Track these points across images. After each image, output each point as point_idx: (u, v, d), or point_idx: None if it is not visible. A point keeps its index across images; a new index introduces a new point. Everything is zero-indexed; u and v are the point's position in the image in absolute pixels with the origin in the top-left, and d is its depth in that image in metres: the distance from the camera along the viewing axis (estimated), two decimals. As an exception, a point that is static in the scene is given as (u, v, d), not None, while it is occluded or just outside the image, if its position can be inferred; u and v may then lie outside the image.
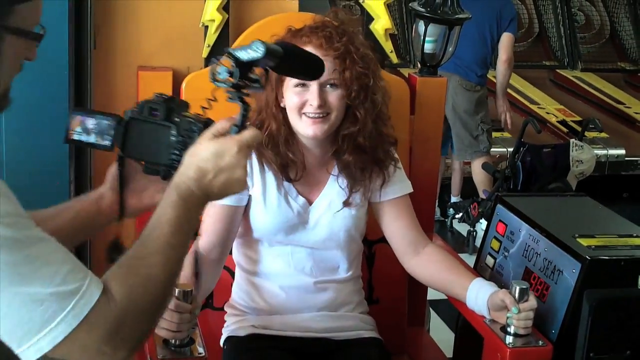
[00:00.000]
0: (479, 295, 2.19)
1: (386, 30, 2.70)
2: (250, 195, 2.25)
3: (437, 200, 5.94)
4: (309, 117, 2.14)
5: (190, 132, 1.51)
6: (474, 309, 2.22)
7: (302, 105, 2.13)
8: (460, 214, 5.77)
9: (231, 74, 1.44)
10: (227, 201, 2.21)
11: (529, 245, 2.39)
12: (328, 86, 2.14)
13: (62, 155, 2.61)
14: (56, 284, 1.26)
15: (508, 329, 2.11)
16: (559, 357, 2.15)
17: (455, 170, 6.02)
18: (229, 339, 2.32)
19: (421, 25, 2.73)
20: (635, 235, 2.37)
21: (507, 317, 2.10)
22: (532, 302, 2.10)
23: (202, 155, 1.42)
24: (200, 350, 2.02)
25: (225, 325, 2.37)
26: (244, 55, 1.42)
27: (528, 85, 7.82)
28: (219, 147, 1.43)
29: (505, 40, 5.69)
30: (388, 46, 2.71)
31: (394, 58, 2.79)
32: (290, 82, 2.15)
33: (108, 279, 1.33)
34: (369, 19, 2.72)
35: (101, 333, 1.29)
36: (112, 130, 1.58)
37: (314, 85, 2.11)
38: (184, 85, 2.51)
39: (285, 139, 2.20)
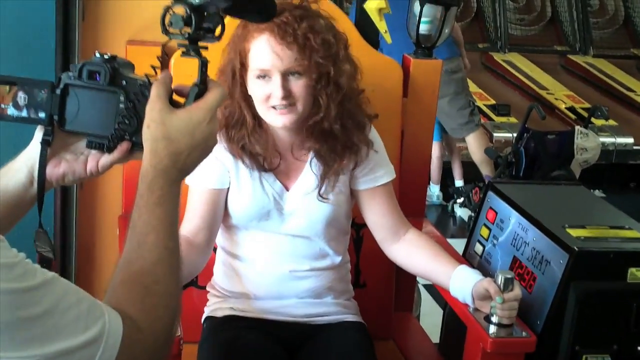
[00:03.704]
0: (463, 284, 2.14)
1: (380, 9, 2.64)
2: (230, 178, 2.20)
3: (439, 185, 6.02)
4: (275, 108, 2.07)
5: (142, 97, 1.32)
6: (457, 297, 2.17)
7: (267, 97, 2.07)
8: (462, 199, 5.74)
9: (187, 23, 1.27)
10: (211, 184, 2.18)
11: (518, 234, 2.35)
12: (291, 75, 2.06)
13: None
14: (81, 330, 1.12)
15: (492, 319, 2.06)
16: (543, 349, 2.11)
17: (435, 157, 5.94)
18: (207, 319, 2.30)
19: (417, 6, 2.67)
20: (627, 227, 2.32)
21: (491, 307, 2.06)
22: (516, 292, 2.05)
23: (169, 136, 1.27)
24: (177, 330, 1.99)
25: (207, 304, 2.35)
26: None
27: (538, 70, 7.76)
28: (186, 122, 1.28)
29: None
30: (382, 26, 2.64)
31: (387, 38, 2.73)
32: (251, 73, 2.08)
33: (122, 305, 1.20)
34: (363, -3, 2.67)
35: None
36: (46, 101, 1.36)
37: (276, 76, 2.05)
38: (172, 60, 2.47)
39: (252, 129, 2.14)
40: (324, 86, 2.10)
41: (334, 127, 2.14)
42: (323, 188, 2.19)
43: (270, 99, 2.07)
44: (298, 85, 2.07)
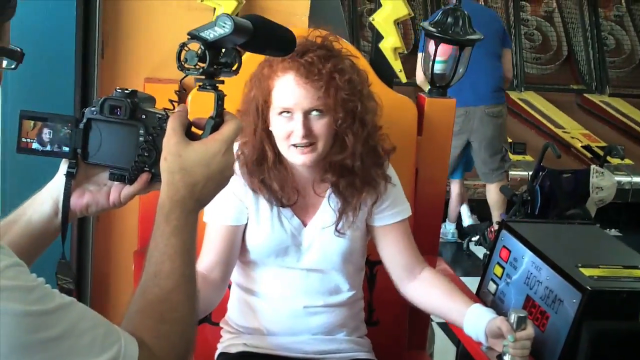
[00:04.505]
0: (477, 322, 2.14)
1: (395, 49, 2.67)
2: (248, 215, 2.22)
3: (455, 223, 6.04)
4: (296, 146, 2.10)
5: (160, 130, 1.35)
6: (471, 335, 2.17)
7: (288, 134, 2.09)
8: (477, 237, 5.73)
9: (201, 59, 1.29)
10: (228, 221, 2.19)
11: (531, 273, 2.35)
12: (313, 113, 2.09)
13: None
14: (97, 354, 1.13)
15: (504, 357, 2.06)
16: (557, 389, 2.10)
17: (454, 194, 5.96)
18: (221, 355, 2.30)
19: (431, 45, 2.69)
20: (640, 267, 2.32)
21: (504, 345, 2.05)
22: (529, 331, 2.05)
23: (185, 167, 1.29)
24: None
25: (220, 341, 2.36)
26: (211, 34, 1.27)
27: (554, 108, 7.77)
28: (202, 154, 1.30)
29: (508, 57, 5.72)
30: (397, 65, 2.67)
31: (402, 77, 2.75)
32: (274, 110, 2.11)
33: (138, 332, 1.22)
34: (379, 37, 2.69)
35: None
36: (70, 135, 1.41)
37: (298, 114, 2.07)
38: (189, 98, 2.50)
39: (272, 165, 2.16)
40: (350, 124, 2.12)
41: (355, 164, 2.16)
42: (340, 224, 2.21)
43: (291, 137, 2.09)
44: (320, 124, 2.09)
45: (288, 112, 2.09)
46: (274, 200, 2.18)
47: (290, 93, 2.08)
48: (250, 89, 2.16)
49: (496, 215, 5.71)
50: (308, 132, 2.08)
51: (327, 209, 2.22)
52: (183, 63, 1.31)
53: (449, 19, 2.67)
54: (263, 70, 2.13)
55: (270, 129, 2.14)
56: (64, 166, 1.42)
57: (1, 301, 1.04)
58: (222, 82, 1.34)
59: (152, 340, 1.23)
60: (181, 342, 1.28)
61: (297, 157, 2.11)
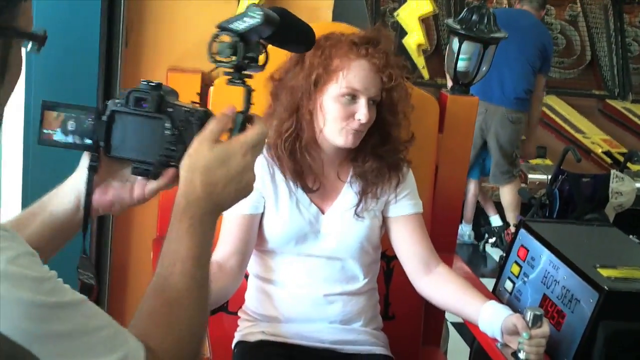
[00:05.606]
0: (492, 318, 2.14)
1: (419, 45, 2.68)
2: (265, 203, 2.23)
3: (471, 224, 6.03)
4: (350, 128, 2.13)
5: (187, 124, 1.32)
6: (486, 331, 2.17)
7: (347, 117, 2.12)
8: (494, 239, 5.72)
9: (234, 51, 1.28)
10: (244, 210, 2.20)
11: (548, 272, 2.34)
12: (371, 102, 2.14)
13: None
14: (104, 355, 1.12)
15: (519, 355, 2.06)
16: (571, 388, 2.10)
17: (471, 194, 5.96)
18: (239, 343, 2.32)
19: (455, 43, 2.69)
20: (658, 269, 2.31)
21: (519, 343, 2.05)
22: (544, 329, 2.05)
23: (206, 166, 1.26)
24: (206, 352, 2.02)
25: (237, 329, 2.37)
26: (241, 25, 1.26)
27: (575, 113, 7.73)
28: (223, 153, 1.27)
29: (541, 82, 5.69)
30: (420, 61, 2.68)
31: (425, 74, 2.76)
32: (338, 90, 2.12)
33: (146, 336, 1.19)
34: (402, 33, 2.70)
35: None
36: (93, 128, 1.36)
37: (363, 99, 2.11)
38: (212, 88, 2.51)
39: (306, 144, 2.18)
40: (396, 119, 2.21)
41: (384, 150, 2.24)
42: (361, 206, 2.23)
43: (350, 120, 2.12)
44: (373, 111, 2.15)
45: (353, 95, 2.11)
46: (297, 183, 2.20)
47: (363, 77, 2.11)
48: (308, 66, 2.15)
49: (511, 217, 5.70)
50: (370, 119, 2.13)
51: (348, 192, 2.25)
52: (214, 55, 1.29)
53: (474, 17, 2.67)
54: (332, 50, 2.13)
55: (311, 109, 2.15)
56: (85, 160, 1.39)
57: (12, 288, 1.03)
58: (250, 76, 1.33)
59: (159, 345, 1.21)
60: (189, 347, 1.26)
61: (347, 138, 2.14)
